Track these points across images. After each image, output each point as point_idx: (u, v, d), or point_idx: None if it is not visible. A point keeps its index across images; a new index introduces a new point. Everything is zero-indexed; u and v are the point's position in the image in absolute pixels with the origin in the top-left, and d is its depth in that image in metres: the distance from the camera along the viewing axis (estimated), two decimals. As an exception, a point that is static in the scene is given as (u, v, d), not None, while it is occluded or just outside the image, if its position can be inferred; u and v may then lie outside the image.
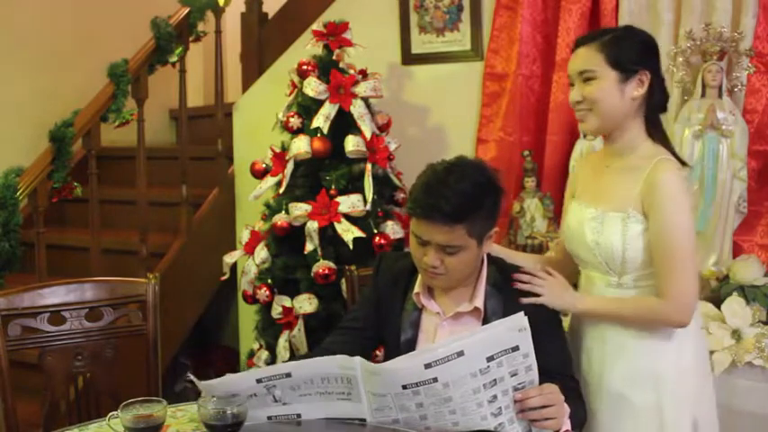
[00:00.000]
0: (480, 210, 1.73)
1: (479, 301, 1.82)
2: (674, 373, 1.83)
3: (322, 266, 2.75)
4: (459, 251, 1.74)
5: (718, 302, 2.49)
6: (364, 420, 1.62)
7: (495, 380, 1.54)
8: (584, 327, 1.94)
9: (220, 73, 3.88)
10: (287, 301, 2.82)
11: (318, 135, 2.82)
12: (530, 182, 2.92)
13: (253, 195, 2.97)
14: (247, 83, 3.91)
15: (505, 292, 1.82)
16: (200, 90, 4.96)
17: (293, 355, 2.81)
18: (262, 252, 2.88)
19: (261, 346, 2.99)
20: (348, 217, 2.78)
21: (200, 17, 3.77)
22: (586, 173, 2.00)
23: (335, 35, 2.92)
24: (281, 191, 2.87)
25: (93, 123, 3.26)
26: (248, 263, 2.93)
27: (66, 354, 2.12)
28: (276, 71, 3.50)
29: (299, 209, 2.79)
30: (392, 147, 2.91)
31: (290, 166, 2.86)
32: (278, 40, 3.80)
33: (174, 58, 3.64)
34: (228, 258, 3.04)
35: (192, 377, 1.67)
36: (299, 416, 1.66)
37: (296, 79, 2.95)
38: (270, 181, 2.91)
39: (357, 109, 2.85)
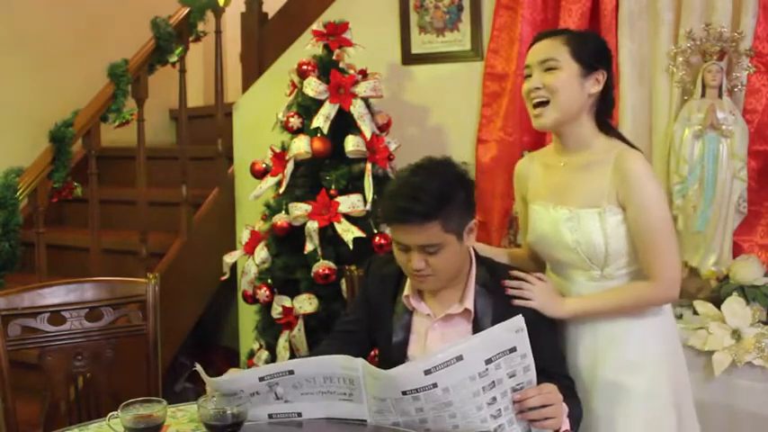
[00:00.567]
0: (450, 204, 1.73)
1: (469, 303, 1.82)
2: (661, 357, 1.88)
3: (322, 266, 2.75)
4: (439, 249, 1.74)
5: (718, 302, 2.49)
6: (364, 421, 1.63)
7: (493, 382, 1.54)
8: (571, 321, 1.94)
9: (220, 73, 3.88)
10: (287, 301, 2.82)
11: (318, 135, 2.82)
12: (530, 182, 2.92)
13: (253, 195, 2.97)
14: (247, 83, 3.91)
15: (495, 293, 1.82)
16: (200, 90, 4.96)
17: (293, 356, 2.81)
18: (262, 252, 2.88)
19: (261, 346, 2.99)
20: (348, 217, 2.78)
21: (201, 17, 3.77)
22: (536, 173, 2.02)
23: (335, 35, 2.92)
24: (281, 191, 2.87)
25: (93, 123, 3.27)
26: (248, 263, 2.93)
27: (66, 354, 2.12)
28: (276, 71, 3.50)
29: (299, 209, 2.79)
30: (392, 147, 2.91)
31: (290, 166, 2.86)
32: (278, 40, 3.80)
33: (174, 58, 3.64)
34: (228, 258, 3.04)
35: (198, 368, 1.66)
36: (299, 414, 1.66)
37: (296, 79, 2.95)
38: (270, 181, 2.91)
39: (357, 109, 2.85)
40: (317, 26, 2.96)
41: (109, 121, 3.33)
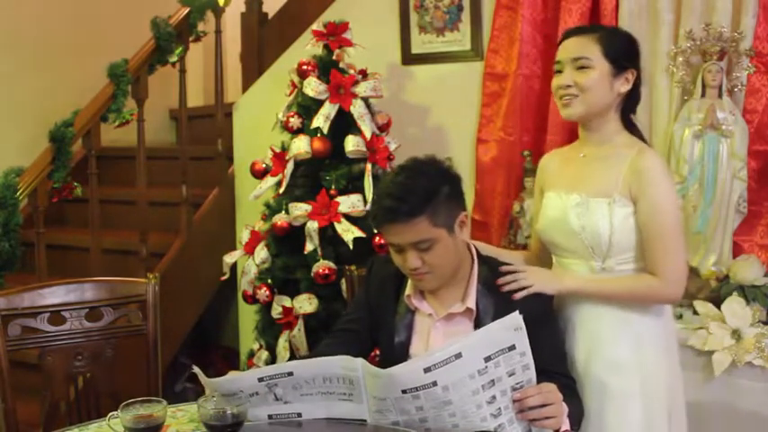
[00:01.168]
0: (436, 198, 1.74)
1: (471, 302, 1.82)
2: (657, 358, 1.89)
3: (322, 266, 2.75)
4: (432, 245, 1.75)
5: (718, 302, 2.49)
6: (364, 421, 1.62)
7: (492, 380, 1.54)
8: (568, 316, 1.94)
9: (220, 73, 3.88)
10: (287, 301, 2.82)
11: (318, 135, 2.82)
12: (530, 182, 2.91)
13: (253, 195, 2.97)
14: (247, 83, 3.91)
15: (497, 292, 1.82)
16: (200, 90, 4.96)
17: (293, 356, 2.81)
18: (262, 252, 2.88)
19: (261, 347, 2.99)
20: (348, 217, 2.78)
21: (201, 17, 3.77)
22: (555, 166, 2.05)
23: (335, 35, 2.92)
24: (281, 191, 2.87)
25: (93, 123, 3.27)
26: (248, 263, 2.93)
27: (66, 354, 2.12)
28: (276, 71, 3.50)
29: (299, 209, 2.79)
30: (392, 147, 2.91)
31: (289, 166, 2.86)
32: (278, 40, 3.80)
33: (174, 58, 3.64)
34: (228, 258, 3.04)
35: (196, 369, 1.67)
36: (299, 415, 1.66)
37: (296, 79, 2.95)
38: (270, 181, 2.91)
39: (357, 109, 2.85)
40: (316, 26, 2.96)
41: (109, 121, 3.33)
